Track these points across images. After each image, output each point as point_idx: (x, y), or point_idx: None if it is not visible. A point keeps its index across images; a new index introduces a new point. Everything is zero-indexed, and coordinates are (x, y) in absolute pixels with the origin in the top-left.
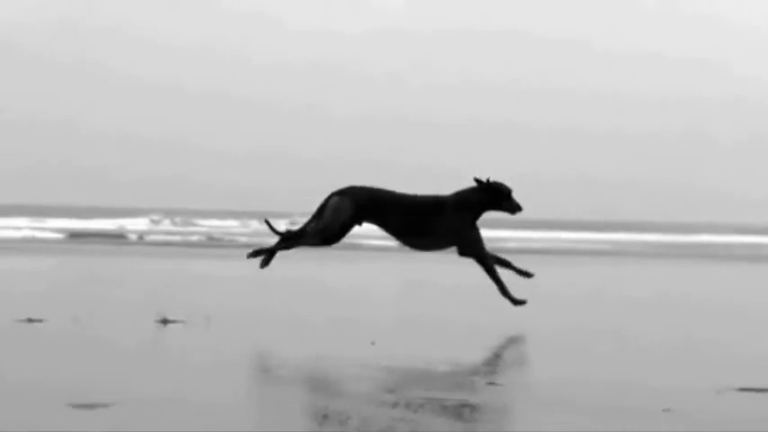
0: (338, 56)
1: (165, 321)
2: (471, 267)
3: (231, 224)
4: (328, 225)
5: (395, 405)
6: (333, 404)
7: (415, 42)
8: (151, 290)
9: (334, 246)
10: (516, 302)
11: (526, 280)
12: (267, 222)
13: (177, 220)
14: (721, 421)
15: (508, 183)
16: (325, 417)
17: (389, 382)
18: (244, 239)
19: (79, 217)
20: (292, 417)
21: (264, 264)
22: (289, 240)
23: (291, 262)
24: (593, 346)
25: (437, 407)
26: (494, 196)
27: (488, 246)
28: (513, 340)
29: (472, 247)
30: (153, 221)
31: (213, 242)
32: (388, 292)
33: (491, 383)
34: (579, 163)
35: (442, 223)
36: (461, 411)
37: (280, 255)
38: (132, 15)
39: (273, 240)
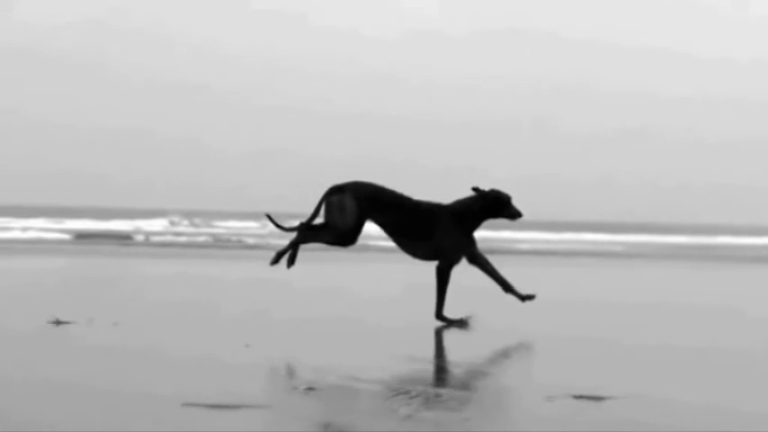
0: (367, 59)
1: (57, 322)
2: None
3: (250, 225)
4: (339, 226)
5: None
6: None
7: (449, 44)
8: (78, 288)
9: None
10: (445, 320)
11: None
12: (269, 218)
13: (196, 221)
14: None
15: (517, 186)
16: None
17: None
18: (251, 240)
19: (97, 218)
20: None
21: (291, 263)
22: (306, 233)
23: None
24: (583, 352)
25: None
26: (493, 204)
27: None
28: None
29: (448, 258)
30: (172, 223)
31: (220, 243)
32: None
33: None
34: (599, 164)
35: (436, 232)
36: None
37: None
38: (151, 16)
39: (284, 243)
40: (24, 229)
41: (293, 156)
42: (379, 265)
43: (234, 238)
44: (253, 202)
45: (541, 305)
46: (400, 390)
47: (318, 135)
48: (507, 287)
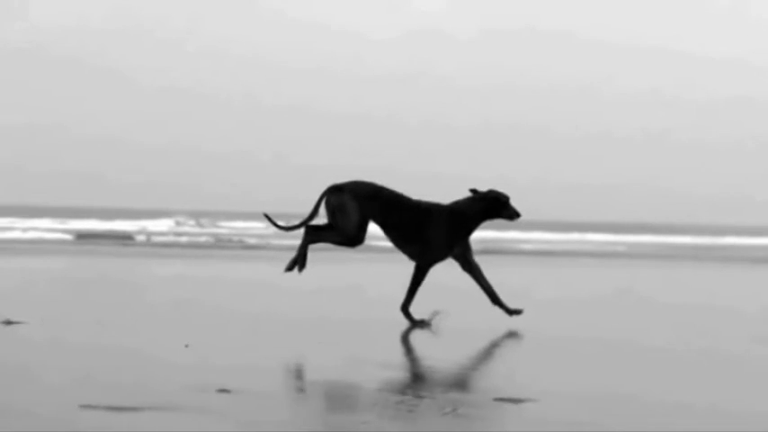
0: (374, 58)
1: (8, 322)
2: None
3: (255, 225)
4: (343, 228)
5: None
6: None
7: (456, 44)
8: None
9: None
10: (414, 321)
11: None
12: (267, 217)
13: (203, 221)
14: None
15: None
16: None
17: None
18: (252, 241)
19: (102, 218)
20: None
21: (302, 266)
22: (313, 234)
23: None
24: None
25: None
26: (492, 205)
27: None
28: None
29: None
30: (178, 223)
31: (220, 243)
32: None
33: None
34: (610, 166)
35: (427, 231)
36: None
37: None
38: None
39: (284, 243)
40: (26, 230)
41: (300, 156)
42: (380, 265)
43: (235, 239)
44: (261, 203)
45: (539, 305)
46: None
47: (324, 135)
48: (495, 299)
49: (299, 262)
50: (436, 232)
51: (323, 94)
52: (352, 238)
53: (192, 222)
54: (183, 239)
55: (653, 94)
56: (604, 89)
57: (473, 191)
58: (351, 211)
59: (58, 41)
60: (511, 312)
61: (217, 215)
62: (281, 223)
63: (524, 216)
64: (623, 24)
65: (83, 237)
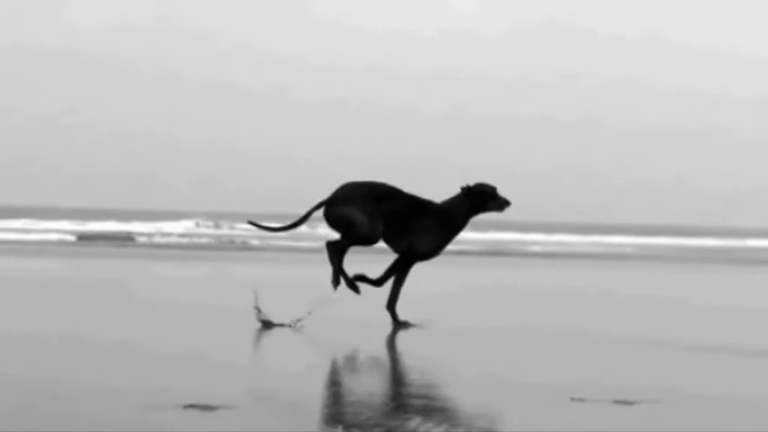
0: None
1: None
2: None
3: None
4: (356, 233)
5: None
6: None
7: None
8: None
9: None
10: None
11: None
12: (252, 223)
13: (221, 223)
14: None
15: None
16: None
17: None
18: (255, 242)
19: (119, 220)
20: None
21: (349, 284)
22: (335, 248)
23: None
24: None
25: None
26: (479, 199)
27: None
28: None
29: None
30: (197, 225)
31: (221, 245)
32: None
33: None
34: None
35: (416, 225)
36: None
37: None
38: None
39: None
40: (46, 231)
41: (325, 155)
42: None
43: (238, 240)
44: (280, 203)
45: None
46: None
47: (356, 134)
48: (392, 303)
49: (346, 280)
50: (426, 229)
51: (371, 92)
52: (366, 237)
53: (210, 224)
54: (184, 241)
55: (688, 91)
56: (651, 84)
57: (462, 188)
58: (351, 214)
59: (90, 41)
60: (398, 324)
61: (235, 217)
62: (273, 225)
63: (583, 218)
64: (652, 19)
65: (91, 238)
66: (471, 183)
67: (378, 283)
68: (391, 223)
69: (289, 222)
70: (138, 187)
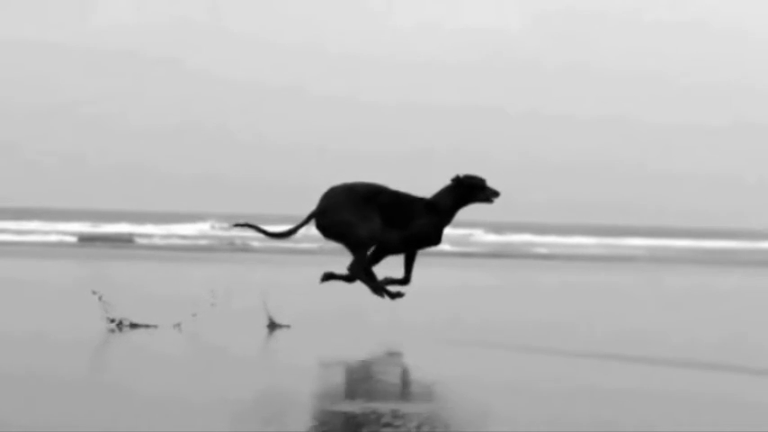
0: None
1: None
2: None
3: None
4: (356, 241)
5: None
6: None
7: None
8: None
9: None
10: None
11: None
12: (251, 225)
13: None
14: None
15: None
16: None
17: None
18: (257, 244)
19: (133, 222)
20: None
21: (391, 295)
22: (358, 267)
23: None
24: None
25: None
26: (468, 191)
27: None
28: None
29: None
30: (213, 227)
31: (222, 246)
32: None
33: None
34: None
35: (412, 222)
36: None
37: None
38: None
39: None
40: (63, 233)
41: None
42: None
43: (238, 241)
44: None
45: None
46: None
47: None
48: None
49: (387, 293)
50: (418, 220)
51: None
52: (368, 236)
53: (225, 225)
54: (186, 242)
55: (725, 86)
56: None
57: (452, 179)
58: (347, 218)
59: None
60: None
61: (253, 218)
62: (268, 230)
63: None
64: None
65: (84, 240)
66: (461, 174)
67: (405, 281)
68: (384, 219)
69: (284, 229)
70: (147, 186)
